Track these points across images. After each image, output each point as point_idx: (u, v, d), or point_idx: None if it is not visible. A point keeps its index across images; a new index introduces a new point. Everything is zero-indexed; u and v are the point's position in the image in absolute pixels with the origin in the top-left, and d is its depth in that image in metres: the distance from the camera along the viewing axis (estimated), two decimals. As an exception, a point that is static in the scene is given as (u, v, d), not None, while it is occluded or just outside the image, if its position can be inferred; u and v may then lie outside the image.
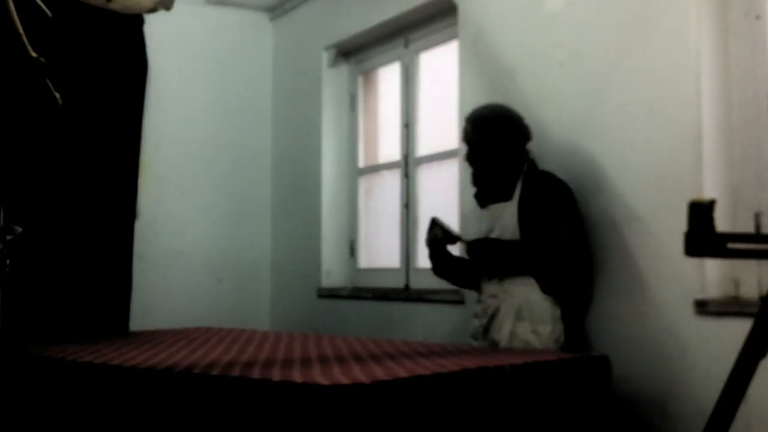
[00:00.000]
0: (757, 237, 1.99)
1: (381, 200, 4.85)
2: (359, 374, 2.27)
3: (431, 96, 4.48)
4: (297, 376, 2.26)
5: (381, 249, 4.82)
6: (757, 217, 2.74)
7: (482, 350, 3.00)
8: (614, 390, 2.80)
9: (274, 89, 5.57)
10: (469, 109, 3.83)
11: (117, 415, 2.58)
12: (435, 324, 3.99)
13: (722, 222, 2.54)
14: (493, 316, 3.12)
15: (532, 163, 3.22)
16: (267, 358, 2.73)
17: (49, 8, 2.85)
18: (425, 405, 2.23)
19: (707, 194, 2.74)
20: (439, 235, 3.24)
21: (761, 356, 1.70)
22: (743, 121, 2.83)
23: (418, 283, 4.38)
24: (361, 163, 4.98)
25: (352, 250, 4.98)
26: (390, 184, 4.72)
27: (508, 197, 3.16)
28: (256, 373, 2.33)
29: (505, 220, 3.15)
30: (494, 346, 3.06)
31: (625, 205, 3.07)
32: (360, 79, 5.04)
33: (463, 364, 2.48)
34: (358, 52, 4.98)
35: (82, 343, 3.31)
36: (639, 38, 3.06)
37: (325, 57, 5.05)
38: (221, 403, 2.28)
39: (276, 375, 2.28)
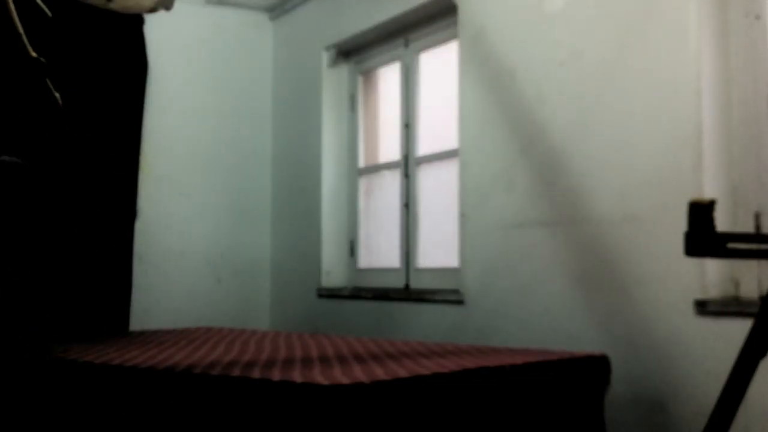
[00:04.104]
0: (757, 237, 2.00)
1: (381, 200, 4.85)
2: (359, 374, 2.27)
3: (431, 96, 4.48)
4: (297, 376, 2.26)
5: (381, 249, 4.82)
6: (757, 217, 2.75)
7: (482, 350, 3.00)
8: (614, 390, 2.80)
9: (274, 89, 5.57)
10: (469, 109, 3.84)
11: (117, 415, 2.59)
12: (435, 324, 3.99)
13: (722, 222, 2.55)
14: None
15: None
16: (267, 358, 2.73)
17: (49, 8, 2.86)
18: (425, 405, 2.24)
19: (707, 194, 2.74)
20: None
21: (761, 356, 1.70)
22: (743, 121, 2.83)
23: (418, 283, 4.38)
24: (361, 163, 4.98)
25: (352, 250, 4.98)
26: (390, 184, 4.72)
27: None
28: (256, 373, 2.33)
29: None
30: None
31: (625, 205, 3.07)
32: (360, 79, 5.04)
33: (463, 364, 2.48)
34: (358, 52, 4.98)
35: (82, 343, 3.31)
36: (639, 38, 3.06)
37: (325, 57, 5.05)
38: (221, 403, 2.28)
39: (276, 375, 2.28)
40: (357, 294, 4.69)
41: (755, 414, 2.52)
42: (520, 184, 3.54)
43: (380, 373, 2.31)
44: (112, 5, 3.90)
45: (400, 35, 4.62)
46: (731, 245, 1.74)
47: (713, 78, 2.86)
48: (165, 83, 5.04)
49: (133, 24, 4.45)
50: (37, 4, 2.82)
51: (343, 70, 5.07)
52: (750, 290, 2.76)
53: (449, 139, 4.14)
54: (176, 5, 4.19)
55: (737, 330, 2.13)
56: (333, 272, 4.98)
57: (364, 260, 4.94)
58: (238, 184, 5.45)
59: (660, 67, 2.97)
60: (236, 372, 2.36)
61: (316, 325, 4.85)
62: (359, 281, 4.88)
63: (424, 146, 4.47)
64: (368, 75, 5.04)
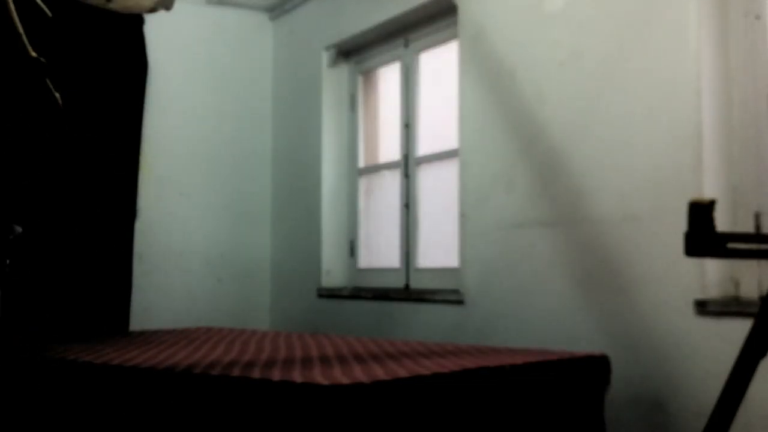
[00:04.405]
0: (757, 237, 2.00)
1: (381, 200, 4.85)
2: (359, 374, 2.27)
3: (431, 96, 4.48)
4: (297, 376, 2.26)
5: (381, 249, 4.82)
6: (757, 217, 2.75)
7: (482, 350, 3.00)
8: (614, 390, 2.80)
9: (274, 89, 5.57)
10: (469, 109, 3.84)
11: (118, 415, 2.59)
12: (435, 324, 3.99)
13: (722, 222, 2.55)
14: None
15: None
16: (267, 358, 2.73)
17: (49, 8, 2.86)
18: (425, 405, 2.24)
19: (707, 194, 2.74)
20: None
21: (761, 356, 1.70)
22: (743, 121, 2.83)
23: (418, 283, 4.38)
24: (361, 163, 4.98)
25: (352, 250, 4.98)
26: (390, 184, 4.72)
27: None
28: (256, 373, 2.33)
29: None
30: None
31: (625, 205, 3.07)
32: (360, 79, 5.04)
33: (463, 364, 2.48)
34: (358, 52, 4.98)
35: (82, 343, 3.31)
36: (639, 38, 3.06)
37: (325, 57, 5.05)
38: (221, 403, 2.28)
39: (276, 375, 2.28)
40: (357, 294, 4.69)
41: (755, 414, 2.52)
42: (520, 184, 3.54)
43: (380, 373, 2.31)
44: (112, 5, 3.90)
45: (400, 35, 4.62)
46: (731, 245, 1.74)
47: (713, 78, 2.86)
48: (165, 83, 5.04)
49: (133, 24, 4.45)
50: (37, 4, 2.82)
51: (343, 70, 5.07)
52: (750, 290, 2.76)
53: (449, 139, 4.14)
54: (176, 5, 4.19)
55: (737, 330, 2.13)
56: (333, 272, 4.98)
57: (364, 260, 4.94)
58: (238, 184, 5.45)
59: (660, 67, 2.97)
60: (236, 372, 2.36)
61: (316, 325, 4.85)
62: (359, 281, 4.88)
63: (424, 146, 4.47)
64: (368, 75, 5.04)
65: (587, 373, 2.70)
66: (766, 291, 2.23)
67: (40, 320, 3.63)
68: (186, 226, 5.24)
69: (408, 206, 4.51)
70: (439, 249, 4.30)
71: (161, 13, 4.16)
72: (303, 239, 5.14)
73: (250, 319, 5.27)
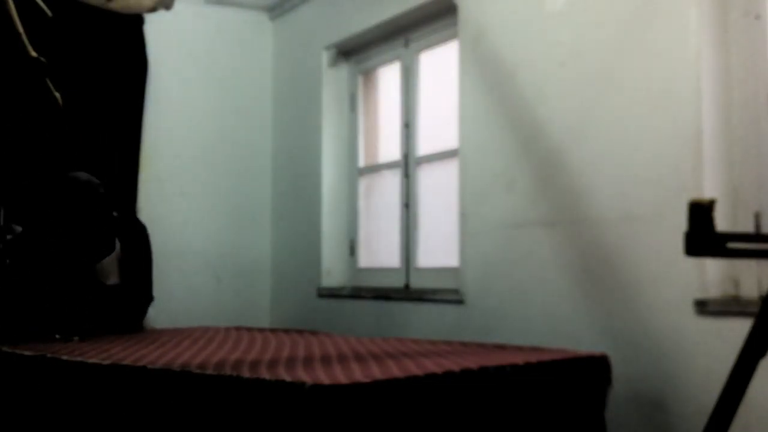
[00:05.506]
0: (757, 237, 2.00)
1: (381, 200, 4.85)
2: (359, 374, 2.27)
3: (431, 96, 4.48)
4: (305, 375, 2.26)
5: (381, 249, 4.82)
6: (757, 217, 2.75)
7: (482, 349, 3.00)
8: (614, 389, 2.80)
9: (274, 89, 5.57)
10: (469, 109, 3.84)
11: (126, 415, 2.58)
12: (435, 324, 3.99)
13: (722, 222, 2.55)
14: None
15: None
16: (268, 358, 2.73)
17: (49, 8, 2.86)
18: (425, 405, 2.24)
19: (707, 194, 2.74)
20: None
21: (761, 356, 1.70)
22: (743, 121, 2.83)
23: (418, 282, 4.38)
24: (361, 163, 4.98)
25: (352, 250, 4.98)
26: (390, 184, 4.72)
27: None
28: (255, 373, 2.33)
29: None
30: None
31: (625, 205, 3.07)
32: (360, 79, 5.04)
33: (464, 364, 2.48)
34: (358, 52, 4.98)
35: (84, 341, 3.31)
36: (639, 38, 3.06)
37: (325, 57, 5.05)
38: (218, 402, 2.28)
39: (276, 375, 2.28)
40: (357, 294, 4.69)
41: (755, 414, 2.52)
42: (520, 184, 3.54)
43: (379, 373, 2.31)
44: (112, 5, 3.90)
45: (400, 35, 4.62)
46: (731, 245, 1.74)
47: (713, 78, 2.86)
48: (165, 83, 5.04)
49: (133, 24, 4.46)
50: (37, 4, 2.83)
51: (343, 70, 5.07)
52: (750, 290, 2.76)
53: (449, 139, 4.14)
54: (176, 5, 4.19)
55: (737, 330, 2.13)
56: (333, 272, 4.98)
57: (364, 260, 4.94)
58: (238, 184, 5.45)
59: (660, 67, 2.97)
60: (233, 372, 2.36)
61: (316, 325, 4.85)
62: (359, 281, 4.88)
63: (424, 146, 4.47)
64: (368, 75, 5.04)
65: (588, 374, 2.70)
66: (766, 291, 2.24)
67: (40, 320, 3.63)
68: (186, 226, 5.24)
69: (408, 206, 4.51)
70: (439, 249, 4.30)
71: (161, 13, 4.17)
72: (303, 239, 5.14)
73: (250, 319, 5.26)
